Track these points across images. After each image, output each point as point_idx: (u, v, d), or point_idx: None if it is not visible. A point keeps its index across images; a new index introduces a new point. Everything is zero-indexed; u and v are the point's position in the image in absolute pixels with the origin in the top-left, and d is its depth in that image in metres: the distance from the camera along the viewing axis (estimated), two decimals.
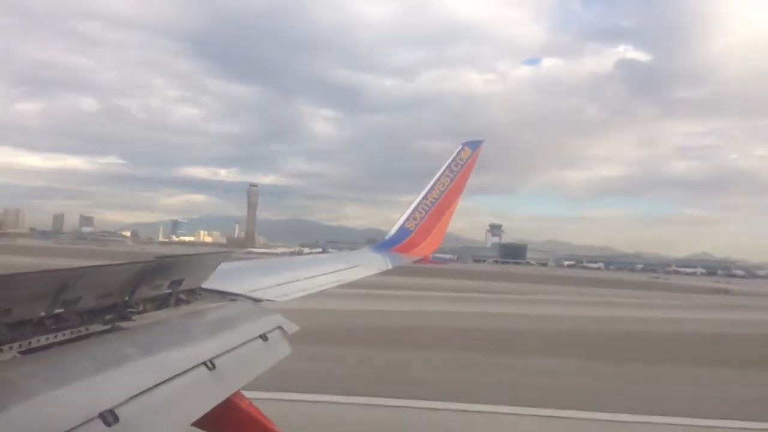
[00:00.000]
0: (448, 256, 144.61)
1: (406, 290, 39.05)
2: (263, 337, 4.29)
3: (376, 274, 8.28)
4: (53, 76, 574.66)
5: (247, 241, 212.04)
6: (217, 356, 3.53)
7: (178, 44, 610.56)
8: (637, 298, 49.71)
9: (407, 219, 9.81)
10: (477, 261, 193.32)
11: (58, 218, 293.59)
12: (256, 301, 5.04)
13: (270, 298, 5.25)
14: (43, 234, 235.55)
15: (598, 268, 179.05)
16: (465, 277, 62.71)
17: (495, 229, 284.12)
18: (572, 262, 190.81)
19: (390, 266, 8.83)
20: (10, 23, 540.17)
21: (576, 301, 44.72)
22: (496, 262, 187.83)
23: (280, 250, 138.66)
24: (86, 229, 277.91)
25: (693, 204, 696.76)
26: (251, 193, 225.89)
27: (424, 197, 9.95)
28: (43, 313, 2.94)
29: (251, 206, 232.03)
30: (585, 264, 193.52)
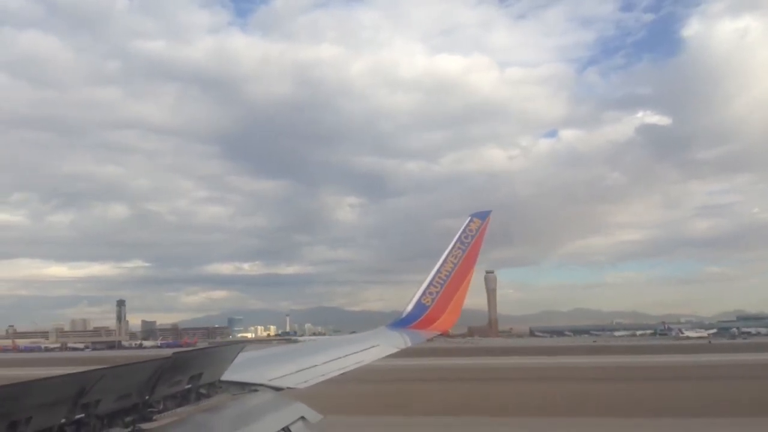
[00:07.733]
0: None
1: None
2: (286, 430, 4.30)
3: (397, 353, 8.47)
4: (85, 186, 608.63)
5: (490, 329, 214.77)
6: None
7: (208, 147, 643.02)
8: None
9: (423, 294, 9.82)
10: None
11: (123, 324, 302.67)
12: (277, 389, 5.07)
13: (291, 386, 5.27)
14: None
15: None
16: None
17: None
18: None
19: (409, 344, 8.77)
20: (44, 137, 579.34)
21: None
22: None
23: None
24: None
25: (716, 261, 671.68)
26: (489, 280, 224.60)
27: (438, 271, 9.98)
28: (63, 420, 2.89)
29: (490, 292, 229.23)
30: None
